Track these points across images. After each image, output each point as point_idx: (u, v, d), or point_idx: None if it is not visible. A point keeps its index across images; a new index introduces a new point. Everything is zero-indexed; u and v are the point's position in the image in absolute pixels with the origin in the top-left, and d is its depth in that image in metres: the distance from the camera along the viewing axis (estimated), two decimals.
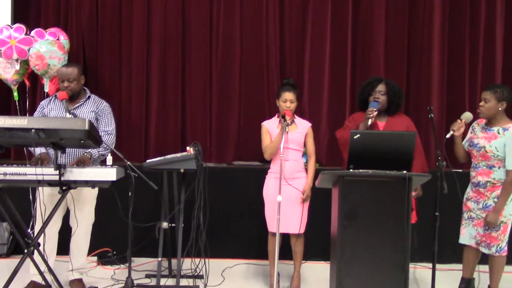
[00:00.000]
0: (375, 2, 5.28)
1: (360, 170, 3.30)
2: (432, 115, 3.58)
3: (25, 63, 4.86)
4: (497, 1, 5.25)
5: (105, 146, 3.74)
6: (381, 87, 3.85)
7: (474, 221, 3.70)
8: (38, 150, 3.69)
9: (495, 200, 3.58)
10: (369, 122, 3.65)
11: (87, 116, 3.82)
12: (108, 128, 3.93)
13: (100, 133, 3.81)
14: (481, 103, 3.64)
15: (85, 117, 3.79)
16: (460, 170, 4.52)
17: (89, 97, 3.94)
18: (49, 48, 4.71)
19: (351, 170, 3.33)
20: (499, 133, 3.61)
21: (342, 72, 5.28)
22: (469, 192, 3.77)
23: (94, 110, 3.90)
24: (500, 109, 3.61)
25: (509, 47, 5.29)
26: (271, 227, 3.96)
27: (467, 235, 3.75)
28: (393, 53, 5.29)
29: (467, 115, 3.64)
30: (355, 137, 3.30)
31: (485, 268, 3.84)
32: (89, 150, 3.72)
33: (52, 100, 3.92)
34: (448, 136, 3.61)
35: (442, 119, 5.20)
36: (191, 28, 5.31)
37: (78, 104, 3.88)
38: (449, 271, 4.50)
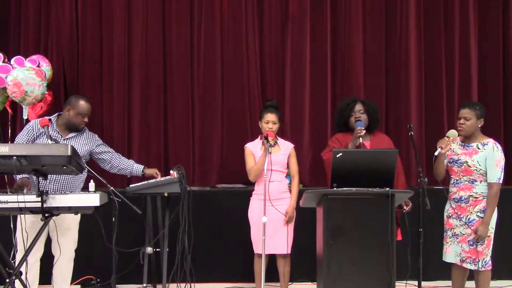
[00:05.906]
0: (352, 21, 5.39)
1: (344, 188, 3.33)
2: (412, 133, 3.65)
3: (4, 90, 4.81)
4: (470, 18, 5.40)
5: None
6: (359, 107, 3.90)
7: (458, 238, 3.70)
8: (20, 175, 3.65)
9: (478, 214, 3.62)
10: (361, 140, 3.68)
11: (84, 147, 3.90)
12: (110, 149, 4.10)
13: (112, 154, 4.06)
14: (461, 121, 3.68)
15: (81, 147, 3.87)
16: (441, 187, 4.56)
17: (84, 128, 3.98)
18: (26, 75, 4.66)
19: (334, 188, 3.35)
20: (478, 148, 3.67)
21: (323, 92, 5.35)
22: (449, 209, 3.78)
23: (89, 143, 3.97)
24: (479, 126, 3.70)
25: (483, 63, 5.43)
26: (258, 248, 3.94)
27: (452, 253, 3.74)
28: (372, 73, 5.39)
29: (453, 133, 3.68)
30: (337, 155, 3.34)
31: (470, 284, 3.85)
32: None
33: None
34: (436, 153, 3.64)
35: (421, 136, 5.27)
36: (172, 51, 5.34)
37: (74, 134, 3.91)
38: None
